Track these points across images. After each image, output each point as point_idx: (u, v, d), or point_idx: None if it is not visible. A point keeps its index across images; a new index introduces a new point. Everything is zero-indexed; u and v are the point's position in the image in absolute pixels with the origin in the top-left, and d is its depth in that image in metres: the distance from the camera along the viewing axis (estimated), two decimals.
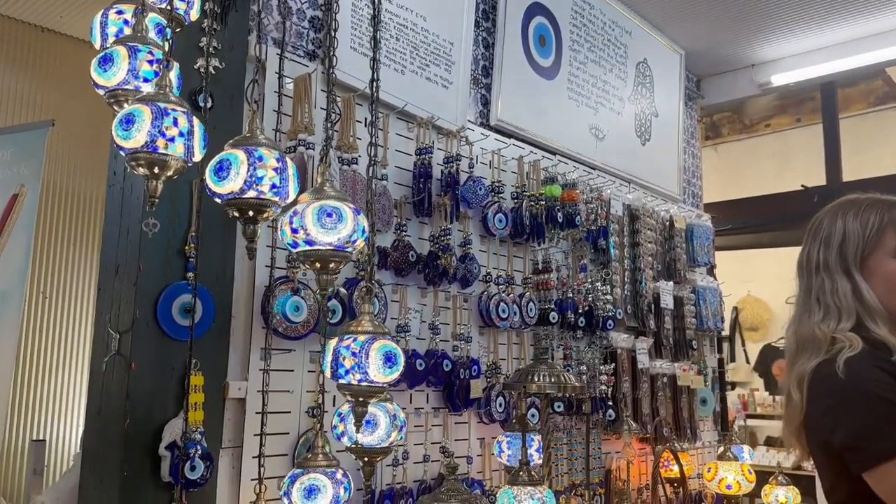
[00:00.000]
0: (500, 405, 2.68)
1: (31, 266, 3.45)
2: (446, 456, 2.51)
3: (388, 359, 1.53)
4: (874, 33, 3.96)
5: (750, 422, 7.14)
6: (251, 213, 1.41)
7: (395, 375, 1.56)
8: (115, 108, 1.50)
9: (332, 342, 1.57)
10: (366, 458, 1.70)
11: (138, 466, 1.84)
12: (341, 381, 1.53)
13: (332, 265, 1.49)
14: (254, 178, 1.38)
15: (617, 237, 3.35)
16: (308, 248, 1.47)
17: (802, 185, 6.19)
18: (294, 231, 1.46)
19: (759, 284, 9.01)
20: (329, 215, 1.45)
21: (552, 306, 2.95)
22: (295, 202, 1.50)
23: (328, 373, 1.55)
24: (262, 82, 2.17)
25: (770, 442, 6.90)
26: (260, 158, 1.40)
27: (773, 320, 9.17)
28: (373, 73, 1.66)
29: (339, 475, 1.81)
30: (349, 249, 1.50)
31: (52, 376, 4.22)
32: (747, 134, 9.25)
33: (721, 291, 4.08)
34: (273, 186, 1.40)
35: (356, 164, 2.30)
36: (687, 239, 3.84)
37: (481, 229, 2.81)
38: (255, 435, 2.00)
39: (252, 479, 1.97)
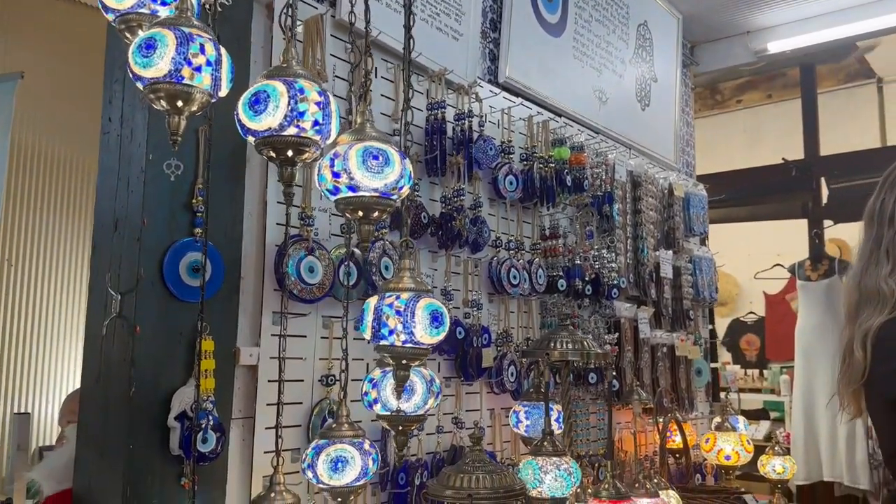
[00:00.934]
0: (512, 375, 2.57)
1: None
2: (459, 428, 2.40)
3: (435, 318, 1.40)
4: (870, 1, 3.93)
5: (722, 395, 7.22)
6: (290, 152, 1.25)
7: (441, 336, 1.43)
8: (127, 35, 1.33)
9: (372, 300, 1.43)
10: (400, 427, 1.58)
11: (145, 438, 1.69)
12: (383, 342, 1.40)
13: (375, 214, 1.35)
14: (295, 113, 1.23)
15: (620, 204, 3.26)
16: (351, 194, 1.32)
17: (783, 158, 6.22)
18: (336, 175, 1.31)
19: (727, 259, 9.13)
20: (375, 158, 1.31)
21: (560, 273, 2.85)
22: (334, 144, 1.35)
23: (368, 334, 1.41)
24: (269, 24, 2.00)
25: (745, 415, 6.95)
26: (301, 91, 1.24)
27: (741, 295, 9.29)
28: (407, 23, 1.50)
29: (366, 445, 1.68)
30: (394, 197, 1.35)
31: (30, 346, 3.97)
32: (719, 110, 9.28)
33: (715, 262, 4.03)
34: (315, 123, 1.25)
35: None
36: (684, 208, 3.77)
37: (490, 192, 2.68)
38: (268, 405, 1.86)
39: (266, 452, 1.83)
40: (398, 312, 1.37)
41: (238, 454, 1.85)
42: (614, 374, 3.05)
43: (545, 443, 2.06)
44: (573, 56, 3.16)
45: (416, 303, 1.38)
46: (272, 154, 1.26)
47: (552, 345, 2.21)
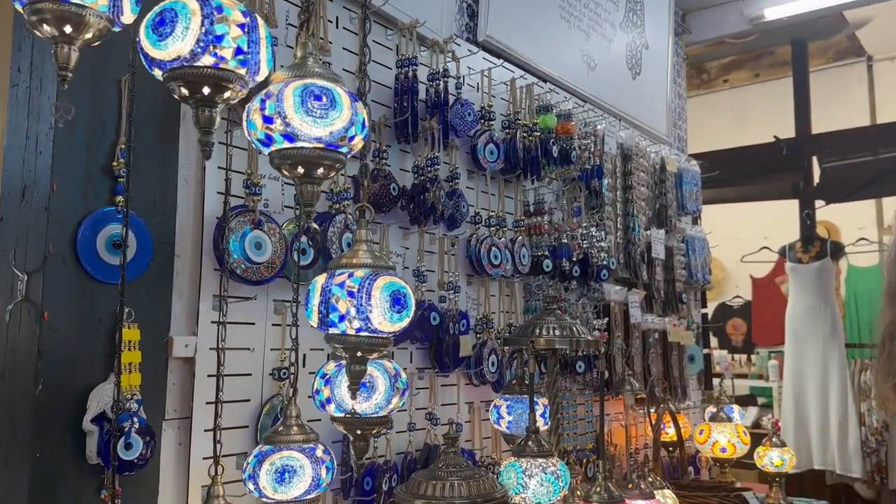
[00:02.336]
0: (493, 364, 2.32)
1: None
2: (433, 424, 2.15)
3: (397, 300, 1.14)
4: None
5: (715, 382, 7.05)
6: (206, 89, 0.98)
7: (405, 323, 1.17)
8: None
9: (320, 279, 1.16)
10: (359, 431, 1.32)
11: (56, 445, 1.42)
12: (333, 329, 1.14)
13: (319, 171, 1.08)
14: (210, 38, 0.96)
15: (610, 178, 3.01)
16: (288, 144, 1.05)
17: (775, 137, 6.00)
18: (267, 120, 1.04)
19: (713, 242, 8.96)
20: (318, 98, 1.04)
21: (546, 253, 2.60)
22: (266, 82, 1.08)
23: (314, 320, 1.15)
24: None
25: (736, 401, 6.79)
26: (219, 9, 0.97)
27: (727, 279, 9.13)
28: None
29: (319, 452, 1.42)
30: (343, 149, 1.09)
31: None
32: (705, 89, 9.06)
33: (708, 242, 3.80)
34: (238, 52, 0.98)
35: None
36: (676, 185, 3.53)
37: (469, 162, 2.42)
38: (207, 403, 1.59)
39: (206, 458, 1.57)
40: (350, 294, 1.10)
41: (173, 461, 1.59)
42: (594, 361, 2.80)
43: (529, 442, 1.82)
44: (559, 16, 2.89)
45: (372, 282, 1.12)
46: (184, 92, 0.99)
47: (537, 331, 1.97)
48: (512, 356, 2.43)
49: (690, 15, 4.12)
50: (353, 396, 1.17)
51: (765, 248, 7.66)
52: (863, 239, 6.86)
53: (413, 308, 1.18)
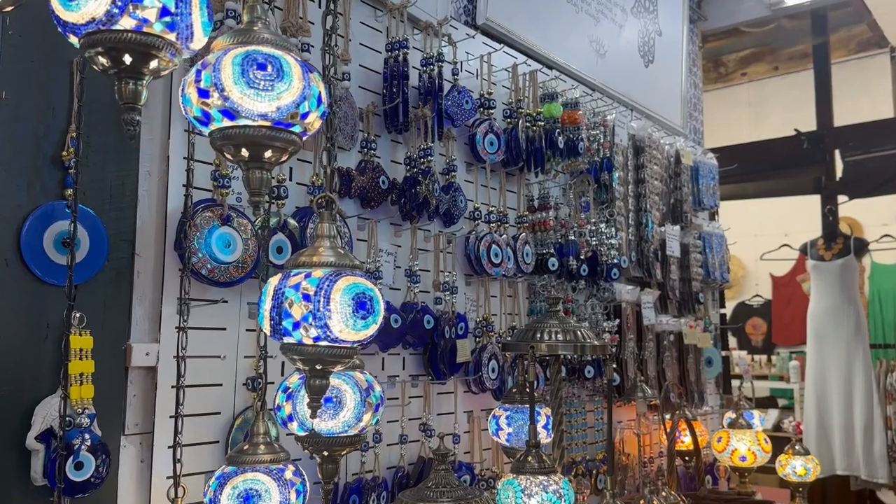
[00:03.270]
0: (493, 371, 2.16)
1: None
2: (428, 436, 2.00)
3: (361, 304, 0.99)
4: None
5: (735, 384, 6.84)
6: (128, 58, 0.83)
7: (371, 331, 1.01)
8: None
9: (273, 280, 1.01)
10: (325, 453, 1.17)
11: None
12: (287, 339, 0.98)
13: (268, 154, 0.93)
14: None
15: (621, 171, 2.83)
16: (229, 122, 0.90)
17: (796, 129, 5.78)
18: (203, 94, 0.89)
19: (731, 239, 8.74)
20: (261, 67, 0.89)
21: (551, 251, 2.43)
22: (207, 50, 0.93)
23: (266, 327, 1.00)
24: None
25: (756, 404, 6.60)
26: None
27: (746, 277, 8.90)
28: None
29: (288, 473, 1.27)
30: (295, 128, 0.93)
31: None
32: (723, 83, 8.84)
33: (726, 238, 3.62)
34: (165, 13, 0.83)
35: (308, 52, 1.72)
36: (692, 178, 3.35)
37: (467, 154, 2.26)
38: (171, 417, 1.44)
39: (169, 477, 1.42)
40: (306, 297, 0.95)
41: (134, 481, 1.44)
42: (615, 367, 2.64)
43: (529, 457, 1.65)
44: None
45: (332, 283, 0.96)
46: (104, 62, 0.84)
47: (539, 336, 1.80)
48: (514, 362, 2.27)
49: (706, 1, 3.93)
50: (314, 415, 1.02)
51: (785, 245, 7.43)
52: (887, 236, 6.62)
53: (381, 313, 1.02)
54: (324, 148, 1.08)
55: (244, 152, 0.91)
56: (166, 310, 1.48)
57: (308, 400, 1.02)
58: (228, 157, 0.93)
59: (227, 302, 1.58)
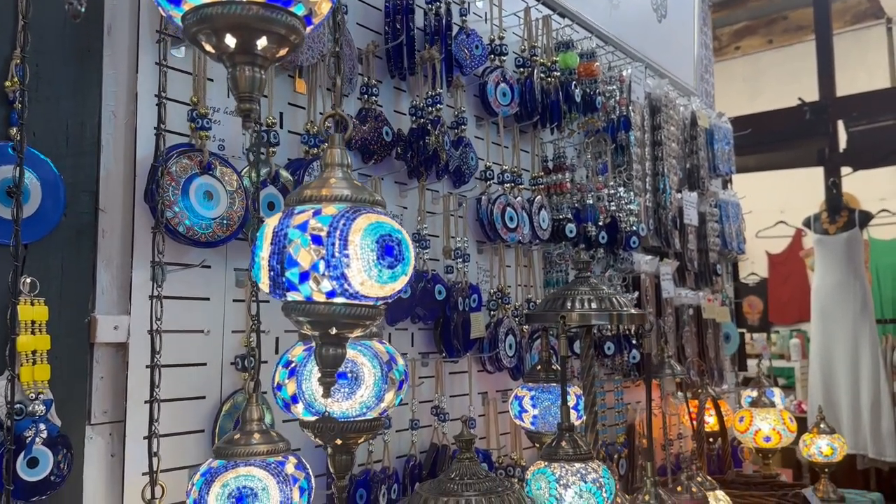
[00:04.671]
0: (511, 347, 1.94)
1: None
2: (441, 420, 1.78)
3: (388, 250, 0.76)
4: None
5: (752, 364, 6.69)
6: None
7: (400, 284, 0.79)
8: None
9: (271, 221, 0.78)
10: (339, 441, 0.94)
11: None
12: (292, 294, 0.75)
13: (262, 42, 0.69)
14: None
15: (638, 132, 2.61)
16: None
17: (799, 99, 5.60)
18: None
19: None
20: None
21: (568, 216, 2.21)
22: None
23: (263, 281, 0.77)
24: None
25: (749, 383, 6.45)
26: None
27: (741, 256, 8.74)
28: None
29: (289, 467, 1.04)
30: (298, 7, 0.69)
31: None
32: (716, 57, 8.63)
33: (741, 207, 3.42)
34: None
35: None
36: (707, 143, 3.14)
37: (477, 107, 2.03)
38: (146, 402, 1.20)
39: (145, 474, 1.19)
40: (317, 239, 0.72)
41: (103, 479, 1.21)
42: (637, 342, 2.42)
43: (563, 442, 1.44)
44: None
45: (350, 222, 0.73)
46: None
47: (569, 304, 1.58)
48: (533, 336, 2.05)
49: None
50: (327, 393, 0.80)
51: (781, 222, 7.27)
52: (884, 210, 6.48)
53: (412, 261, 0.79)
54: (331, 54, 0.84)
55: (229, 40, 0.67)
56: (137, 276, 1.24)
57: (319, 375, 0.79)
58: (209, 49, 0.69)
59: (209, 267, 1.34)
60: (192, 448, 1.29)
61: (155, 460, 1.09)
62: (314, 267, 0.73)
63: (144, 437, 1.19)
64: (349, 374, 0.93)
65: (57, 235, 1.16)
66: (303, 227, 0.74)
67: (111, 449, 1.23)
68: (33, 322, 1.10)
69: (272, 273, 0.75)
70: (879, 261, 6.79)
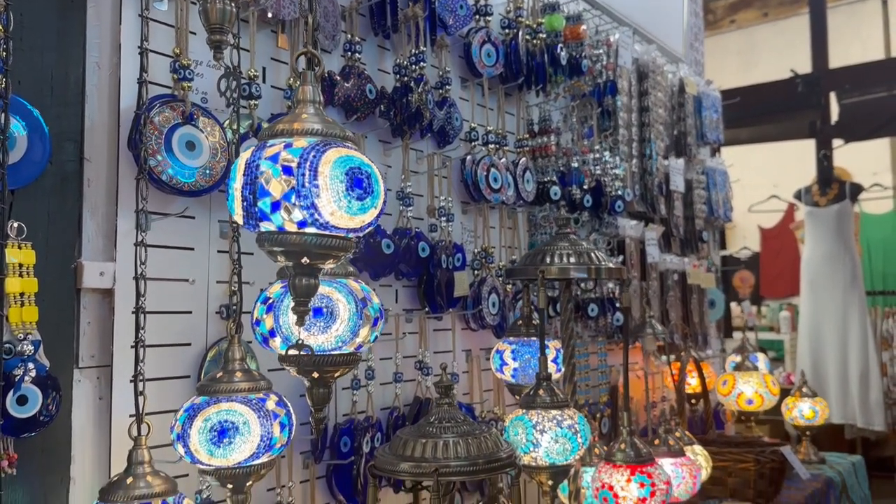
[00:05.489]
0: (494, 305, 1.98)
1: None
2: (424, 374, 1.82)
3: (357, 182, 0.79)
4: None
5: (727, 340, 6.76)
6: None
7: (370, 216, 0.82)
8: None
9: (244, 154, 0.81)
10: (315, 374, 0.98)
11: None
12: (265, 224, 0.78)
13: None
14: None
15: (625, 98, 2.63)
16: None
17: (792, 70, 5.60)
18: None
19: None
20: None
21: (553, 179, 2.24)
22: None
23: (237, 210, 0.80)
24: None
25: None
26: None
27: (734, 230, 8.80)
28: None
29: (270, 404, 1.08)
30: None
31: None
32: (710, 31, 8.62)
33: (729, 175, 3.45)
34: None
35: None
36: (696, 110, 3.16)
37: (462, 69, 2.05)
38: (132, 347, 1.24)
39: (132, 416, 1.23)
40: (287, 170, 0.75)
41: (91, 420, 1.25)
42: (618, 305, 2.46)
43: (541, 391, 1.48)
44: None
45: (320, 154, 0.76)
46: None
47: (548, 259, 1.62)
48: (516, 297, 2.09)
49: None
50: (301, 322, 0.83)
51: (774, 196, 7.31)
52: (877, 185, 6.52)
53: (382, 194, 0.82)
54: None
55: None
56: (122, 224, 1.27)
57: (293, 303, 0.82)
58: None
59: (194, 218, 1.37)
60: (178, 393, 1.33)
61: (141, 399, 1.13)
62: (285, 197, 0.77)
63: (131, 381, 1.23)
64: (325, 310, 0.96)
65: (43, 183, 1.19)
66: (274, 158, 0.77)
67: (99, 392, 1.27)
68: (21, 265, 1.13)
69: (245, 203, 0.78)
70: (871, 235, 6.84)
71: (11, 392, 1.10)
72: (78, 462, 1.22)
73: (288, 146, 0.78)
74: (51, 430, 1.17)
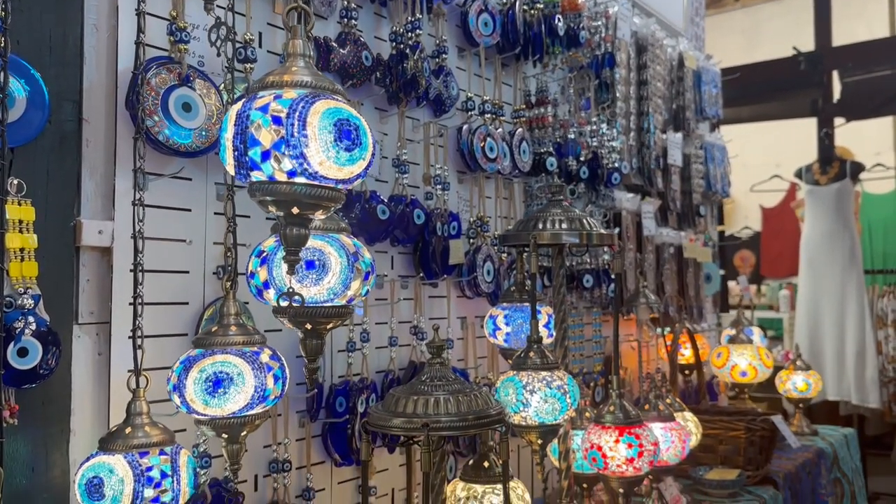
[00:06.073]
0: (489, 273, 2.01)
1: None
2: (419, 339, 1.85)
3: (345, 133, 0.81)
4: None
5: (724, 315, 6.78)
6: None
7: (358, 168, 0.84)
8: None
9: (236, 105, 0.83)
10: (308, 326, 1.00)
11: None
12: (255, 174, 0.81)
13: None
14: None
15: (623, 70, 2.64)
16: None
17: (794, 48, 5.58)
18: None
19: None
20: None
21: (549, 149, 2.26)
22: None
23: (229, 160, 0.82)
24: None
25: None
26: None
27: (735, 210, 8.80)
28: None
29: (264, 356, 1.11)
30: None
31: None
32: (716, 9, 8.57)
33: (727, 151, 3.46)
34: None
35: None
36: (695, 85, 3.16)
37: (459, 38, 2.06)
38: (130, 304, 1.27)
39: (131, 371, 1.26)
40: (276, 120, 0.77)
41: (91, 375, 1.28)
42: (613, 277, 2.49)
43: (531, 353, 1.51)
44: None
45: (309, 105, 0.78)
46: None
47: (540, 225, 1.64)
48: (511, 266, 2.11)
49: None
50: (291, 270, 0.86)
51: (776, 176, 7.30)
52: (879, 165, 6.51)
53: (370, 149, 0.85)
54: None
55: None
56: (120, 184, 1.29)
57: (284, 252, 0.85)
58: None
59: (190, 179, 1.39)
60: (175, 350, 1.36)
61: (139, 353, 1.16)
62: (275, 146, 0.79)
63: (130, 337, 1.26)
64: (317, 263, 0.99)
65: (42, 142, 1.21)
66: (264, 108, 0.80)
67: (98, 348, 1.30)
68: (21, 221, 1.16)
69: (236, 153, 0.80)
70: (872, 214, 6.84)
71: (12, 344, 1.13)
72: (78, 415, 1.26)
73: (278, 97, 0.80)
74: (51, 384, 1.20)
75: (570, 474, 1.70)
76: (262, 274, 1.01)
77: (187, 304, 1.39)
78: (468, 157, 2.00)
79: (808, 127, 6.24)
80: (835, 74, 5.63)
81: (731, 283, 7.59)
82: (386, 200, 1.75)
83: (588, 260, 2.42)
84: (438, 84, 1.88)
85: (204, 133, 1.31)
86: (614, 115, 2.57)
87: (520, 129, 2.17)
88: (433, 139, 1.93)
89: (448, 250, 1.89)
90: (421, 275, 1.86)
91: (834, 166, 5.52)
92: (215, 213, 1.43)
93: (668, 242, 2.91)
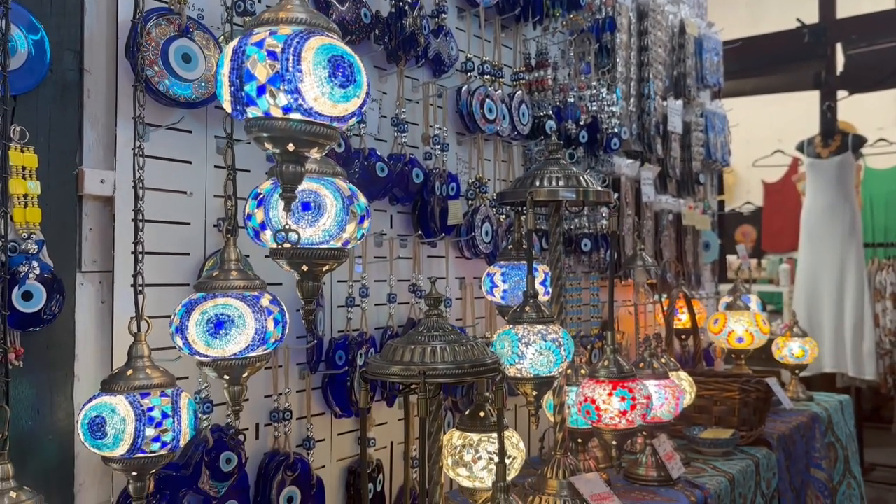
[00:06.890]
0: (487, 234, 2.03)
1: None
2: (418, 297, 1.88)
3: (339, 68, 0.82)
4: None
5: (722, 286, 6.81)
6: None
7: (353, 106, 0.86)
8: None
9: (232, 42, 0.84)
10: (304, 267, 1.03)
11: None
12: (252, 109, 0.82)
13: None
14: None
15: (624, 35, 2.63)
16: None
17: (798, 20, 5.54)
18: None
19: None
20: None
21: (549, 113, 2.26)
22: None
23: (225, 96, 0.84)
24: None
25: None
26: None
27: (738, 184, 8.78)
28: None
29: (264, 301, 1.14)
30: None
31: None
32: None
33: (728, 120, 3.45)
34: None
35: None
36: (696, 52, 3.15)
37: None
38: (133, 253, 1.29)
39: (133, 318, 1.28)
40: (272, 54, 0.78)
41: (94, 321, 1.31)
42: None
43: (527, 308, 1.54)
44: None
45: (303, 41, 0.80)
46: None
47: (538, 182, 1.66)
48: (510, 228, 2.13)
49: None
50: (287, 208, 0.88)
51: (778, 151, 7.27)
52: (882, 140, 6.48)
53: (364, 84, 0.86)
54: None
55: None
56: (122, 134, 1.31)
57: (281, 190, 0.87)
58: None
59: (190, 132, 1.41)
60: (177, 299, 1.36)
61: (140, 299, 1.18)
62: (271, 81, 0.80)
63: (131, 284, 1.28)
64: (312, 204, 1.01)
65: (43, 91, 1.23)
66: (259, 44, 0.81)
67: (101, 296, 1.32)
68: (24, 168, 1.18)
69: (232, 88, 0.82)
70: (874, 189, 6.82)
71: (17, 287, 1.15)
72: (81, 360, 1.28)
73: (273, 33, 0.82)
74: (55, 329, 1.23)
75: (564, 427, 1.73)
76: (259, 215, 1.03)
77: (188, 254, 1.41)
78: (467, 118, 2.01)
79: (810, 102, 6.21)
80: (838, 47, 5.59)
81: (731, 258, 7.61)
82: (385, 158, 1.77)
83: (586, 224, 2.43)
84: (438, 44, 1.89)
85: (203, 85, 1.33)
86: (614, 80, 2.57)
87: (519, 92, 2.18)
88: (432, 99, 1.94)
89: (447, 210, 1.91)
90: (419, 233, 1.88)
91: (836, 139, 5.51)
92: (215, 167, 1.45)
93: (667, 209, 2.93)
